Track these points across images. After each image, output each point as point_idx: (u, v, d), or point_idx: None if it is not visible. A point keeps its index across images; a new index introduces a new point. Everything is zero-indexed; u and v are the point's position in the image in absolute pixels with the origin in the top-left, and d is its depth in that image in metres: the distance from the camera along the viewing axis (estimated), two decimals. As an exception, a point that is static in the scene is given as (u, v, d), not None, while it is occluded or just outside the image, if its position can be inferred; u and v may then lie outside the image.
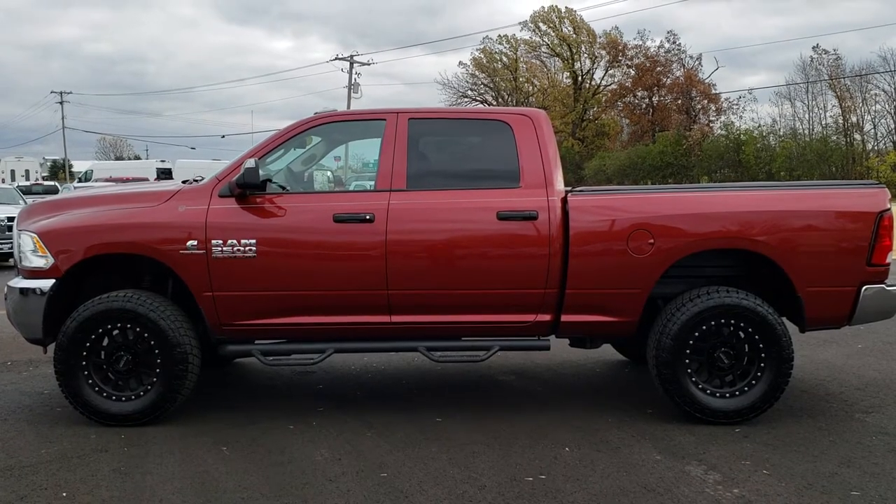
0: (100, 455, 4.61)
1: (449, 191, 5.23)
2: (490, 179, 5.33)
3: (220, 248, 5.04)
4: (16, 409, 5.55)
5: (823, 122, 43.02)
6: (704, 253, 5.18)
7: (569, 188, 5.34)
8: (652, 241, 5.05)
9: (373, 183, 5.27)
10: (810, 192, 5.42)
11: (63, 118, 68.13)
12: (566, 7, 55.36)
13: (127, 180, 26.75)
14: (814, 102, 43.74)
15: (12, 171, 52.76)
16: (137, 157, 69.26)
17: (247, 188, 5.04)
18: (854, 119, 41.67)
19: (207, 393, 5.94)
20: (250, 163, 4.97)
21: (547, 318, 5.20)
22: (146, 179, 28.14)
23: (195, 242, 5.04)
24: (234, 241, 5.04)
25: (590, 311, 5.18)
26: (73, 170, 64.85)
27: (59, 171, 70.04)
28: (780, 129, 44.72)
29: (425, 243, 5.12)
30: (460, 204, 5.16)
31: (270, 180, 5.26)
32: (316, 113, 5.52)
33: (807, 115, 44.10)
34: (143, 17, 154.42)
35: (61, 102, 68.21)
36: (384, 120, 5.33)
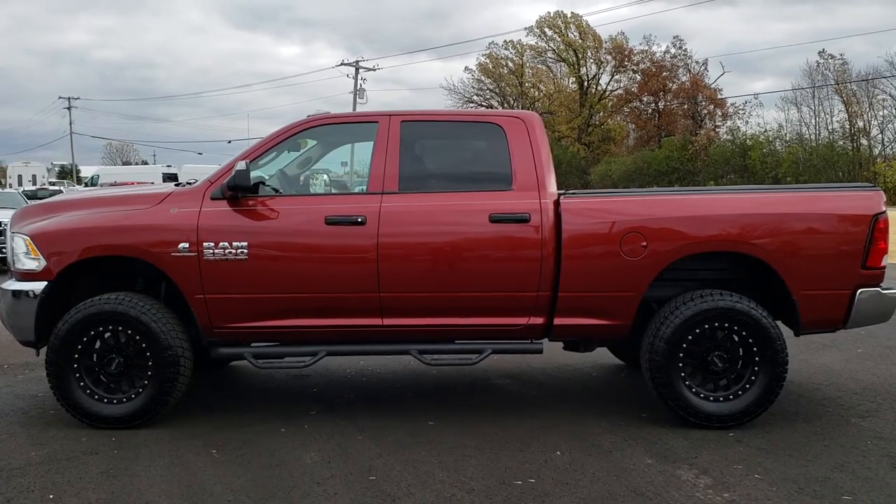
0: (89, 457, 4.60)
1: (441, 193, 5.22)
2: (482, 182, 5.31)
3: (211, 251, 5.03)
4: (9, 412, 5.55)
5: (830, 127, 42.95)
6: (698, 256, 5.15)
7: (562, 191, 5.32)
8: (645, 243, 5.02)
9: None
10: (805, 194, 5.39)
11: (71, 123, 68.69)
12: (572, 12, 55.44)
13: (132, 185, 26.81)
14: (820, 107, 43.67)
15: (19, 176, 53.13)
16: (145, 162, 69.57)
17: (238, 190, 5.04)
18: (861, 124, 41.58)
19: (201, 396, 5.93)
20: (241, 165, 4.97)
21: (540, 321, 5.17)
22: (152, 184, 28.21)
23: (187, 245, 5.04)
24: (226, 244, 5.04)
25: (583, 314, 5.15)
26: (81, 175, 65.22)
27: (67, 175, 70.40)
28: (786, 134, 44.64)
29: (417, 246, 5.10)
30: (452, 206, 5.14)
31: (263, 183, 5.26)
32: (309, 116, 5.52)
33: (813, 121, 44.00)
34: (151, 23, 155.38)
35: (69, 108, 68.78)
36: (376, 122, 5.32)
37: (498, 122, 5.37)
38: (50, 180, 57.56)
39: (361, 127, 5.66)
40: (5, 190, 28.07)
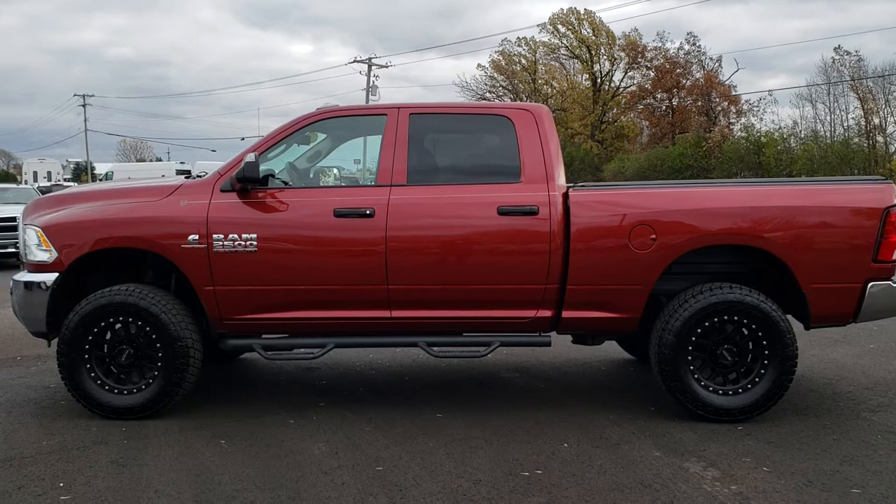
0: (99, 447, 4.64)
1: (449, 186, 5.22)
2: (491, 174, 5.30)
3: (221, 243, 5.06)
4: (21, 403, 5.60)
5: (845, 125, 42.46)
6: (707, 249, 5.13)
7: (570, 184, 5.31)
8: (654, 236, 5.00)
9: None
10: (815, 187, 5.36)
11: (86, 121, 68.99)
12: (585, 9, 55.17)
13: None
14: (835, 104, 43.13)
15: (34, 173, 53.79)
16: (159, 159, 70.00)
17: (247, 182, 5.06)
18: (876, 121, 41.08)
19: (211, 388, 5.97)
20: (250, 157, 4.99)
21: (548, 314, 5.16)
22: (162, 176, 28.34)
23: (196, 237, 5.06)
24: (235, 236, 5.06)
25: (591, 307, 5.14)
26: (96, 171, 65.66)
27: (81, 172, 70.92)
28: (801, 132, 44.18)
29: (425, 238, 5.11)
30: (460, 199, 5.14)
31: (273, 175, 5.28)
32: (318, 109, 5.53)
33: (828, 118, 43.49)
34: (164, 21, 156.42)
35: (84, 105, 69.10)
36: (385, 115, 5.33)
37: (506, 114, 5.36)
38: (65, 177, 58.07)
39: (370, 120, 5.67)
40: (21, 186, 28.25)
